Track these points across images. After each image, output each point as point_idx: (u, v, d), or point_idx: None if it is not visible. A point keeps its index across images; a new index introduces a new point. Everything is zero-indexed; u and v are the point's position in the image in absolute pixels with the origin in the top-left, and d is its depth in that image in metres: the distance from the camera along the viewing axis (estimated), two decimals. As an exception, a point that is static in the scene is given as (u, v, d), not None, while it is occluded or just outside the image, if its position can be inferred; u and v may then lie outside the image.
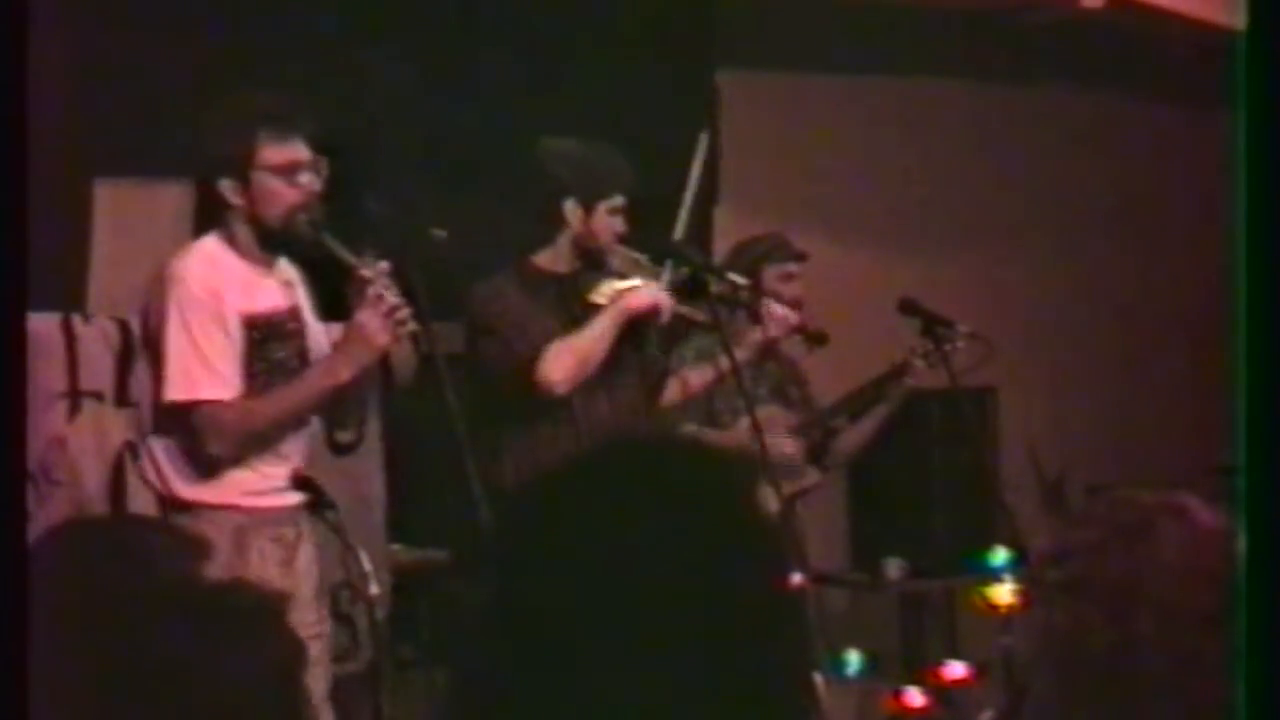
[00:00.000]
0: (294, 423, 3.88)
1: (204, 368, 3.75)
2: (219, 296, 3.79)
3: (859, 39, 6.74)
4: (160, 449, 3.86)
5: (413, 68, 5.81)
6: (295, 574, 3.88)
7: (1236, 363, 1.45)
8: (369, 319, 3.76)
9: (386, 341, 3.79)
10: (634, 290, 4.50)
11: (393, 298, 3.75)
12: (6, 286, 1.90)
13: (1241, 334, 1.45)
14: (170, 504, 3.84)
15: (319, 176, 3.87)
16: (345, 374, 3.82)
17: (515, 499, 1.43)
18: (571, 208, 4.51)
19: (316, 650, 3.83)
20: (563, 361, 4.39)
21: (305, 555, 3.93)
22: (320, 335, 4.02)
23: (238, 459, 3.81)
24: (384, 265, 3.79)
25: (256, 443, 3.83)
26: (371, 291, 3.76)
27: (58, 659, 1.52)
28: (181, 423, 3.80)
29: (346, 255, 3.81)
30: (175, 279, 3.77)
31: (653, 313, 4.52)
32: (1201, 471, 5.72)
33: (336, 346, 3.90)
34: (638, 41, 6.21)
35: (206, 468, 3.81)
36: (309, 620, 3.85)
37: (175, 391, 3.76)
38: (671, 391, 4.75)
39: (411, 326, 3.78)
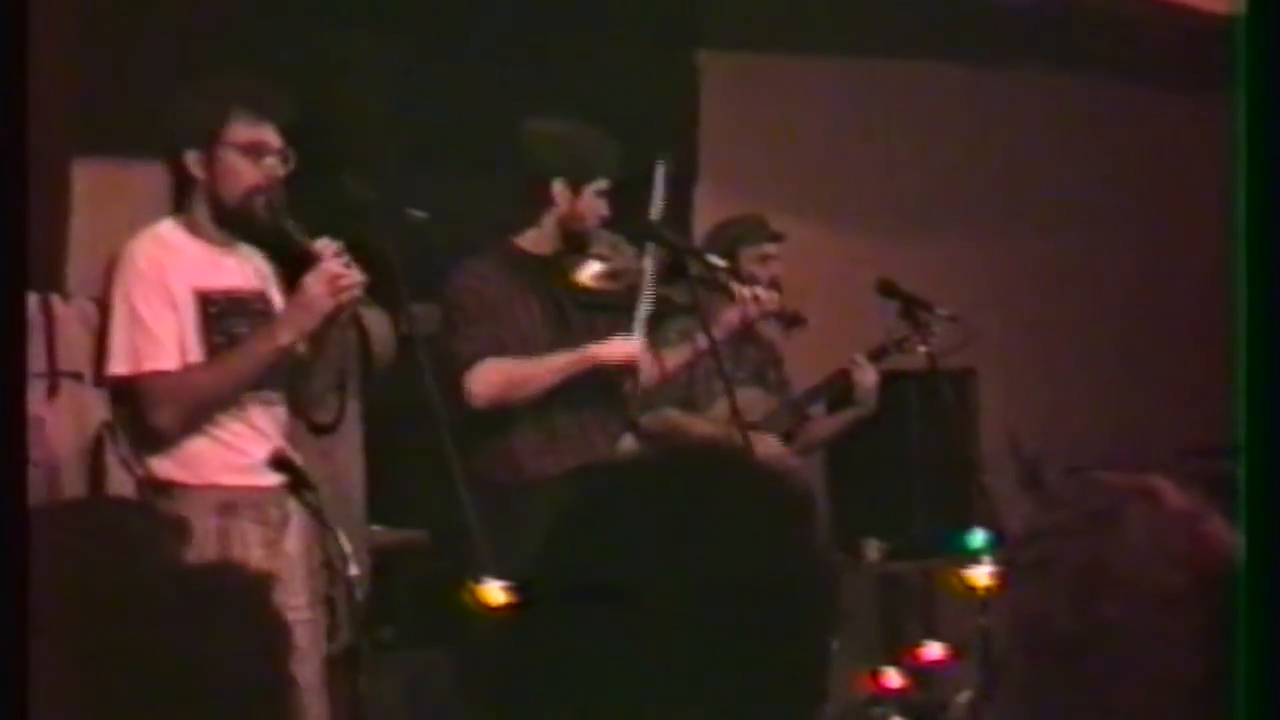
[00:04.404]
0: (237, 390, 3.87)
1: (146, 340, 3.79)
2: (163, 269, 3.83)
3: (841, 20, 6.72)
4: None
5: (396, 47, 5.78)
6: (282, 556, 3.87)
7: (1236, 344, 1.44)
8: (313, 284, 3.78)
9: (329, 306, 3.80)
10: (609, 343, 4.46)
11: (339, 268, 3.77)
12: (5, 268, 1.90)
13: (1242, 316, 1.45)
14: (148, 485, 3.85)
15: (284, 164, 3.88)
16: (284, 338, 3.83)
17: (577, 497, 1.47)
18: (560, 189, 4.50)
19: (306, 636, 3.83)
20: (489, 378, 4.39)
21: (294, 538, 3.92)
22: None
23: (183, 430, 3.82)
24: (338, 246, 3.81)
25: (201, 412, 3.84)
26: (321, 260, 3.79)
27: (37, 643, 1.52)
28: (129, 398, 3.85)
29: (300, 236, 3.84)
30: (122, 259, 3.83)
31: (627, 366, 4.49)
32: (1179, 454, 5.75)
33: (281, 312, 3.91)
34: (621, 22, 6.19)
35: (156, 443, 3.83)
36: (298, 604, 3.84)
37: (117, 364, 3.81)
38: (649, 374, 4.72)
39: (356, 294, 3.79)
